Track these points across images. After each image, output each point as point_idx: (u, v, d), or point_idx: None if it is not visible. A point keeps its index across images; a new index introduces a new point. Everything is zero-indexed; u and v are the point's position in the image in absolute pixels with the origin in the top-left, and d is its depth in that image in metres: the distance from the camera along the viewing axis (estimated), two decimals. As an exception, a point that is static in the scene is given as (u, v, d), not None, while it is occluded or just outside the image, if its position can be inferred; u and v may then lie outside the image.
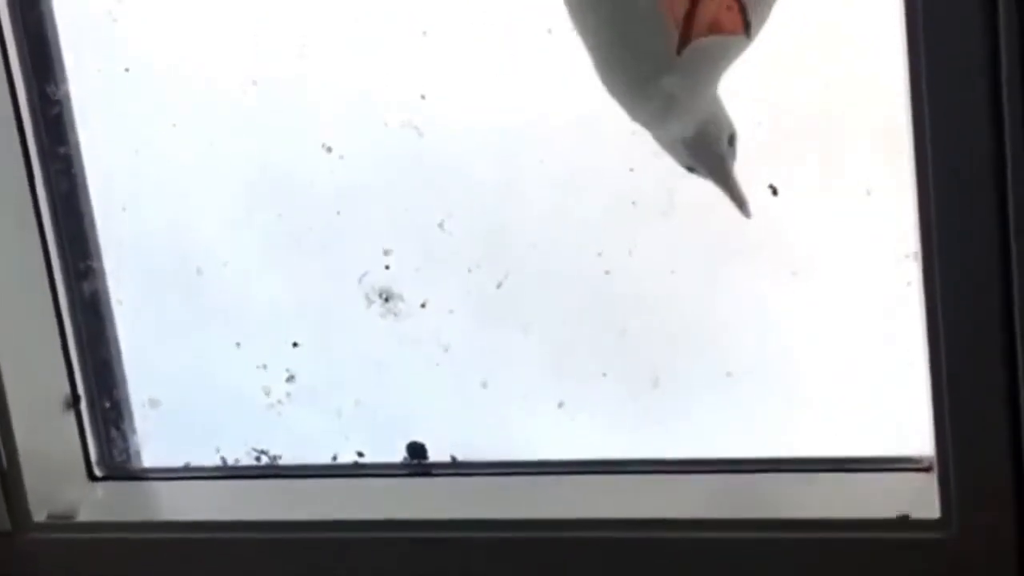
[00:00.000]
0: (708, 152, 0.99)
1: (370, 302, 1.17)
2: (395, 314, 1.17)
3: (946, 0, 0.90)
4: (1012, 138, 0.91)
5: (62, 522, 1.20)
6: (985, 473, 0.98)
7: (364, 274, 1.16)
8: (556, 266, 1.13)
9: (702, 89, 0.98)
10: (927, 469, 1.04)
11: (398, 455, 1.19)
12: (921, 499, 1.02)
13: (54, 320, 1.21)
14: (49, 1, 1.18)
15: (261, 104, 1.15)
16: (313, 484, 1.21)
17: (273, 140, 1.15)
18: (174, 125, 1.17)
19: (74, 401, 1.22)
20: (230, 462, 1.23)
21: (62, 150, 1.20)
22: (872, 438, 1.08)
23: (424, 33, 1.09)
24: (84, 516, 1.20)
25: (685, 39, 0.93)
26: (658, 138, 1.00)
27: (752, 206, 1.05)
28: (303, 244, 1.18)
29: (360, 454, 1.20)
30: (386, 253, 1.16)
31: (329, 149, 1.14)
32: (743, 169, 1.06)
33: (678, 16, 0.92)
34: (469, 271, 1.15)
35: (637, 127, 1.06)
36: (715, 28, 0.93)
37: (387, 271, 1.16)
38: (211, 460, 1.23)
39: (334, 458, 1.21)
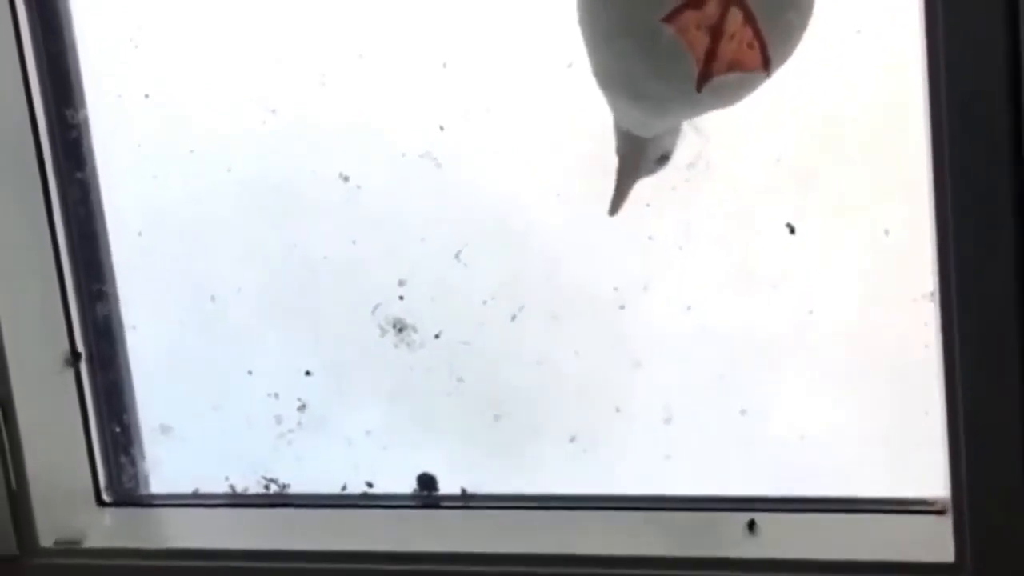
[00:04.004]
0: (637, 154, 1.01)
1: (384, 332, 1.16)
2: (408, 344, 1.16)
3: (968, 39, 0.90)
4: (1032, 179, 0.91)
5: (69, 547, 1.19)
6: (1000, 516, 0.98)
7: (378, 304, 1.16)
8: (571, 300, 1.13)
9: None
10: (941, 512, 1.04)
11: (408, 486, 1.19)
12: (935, 542, 1.02)
13: (67, 343, 1.21)
14: (71, 26, 1.18)
15: (279, 132, 1.15)
16: (322, 514, 1.20)
17: (290, 168, 1.16)
18: (192, 151, 1.18)
19: (83, 422, 1.22)
20: (239, 490, 1.22)
21: (79, 174, 1.21)
22: (886, 480, 1.07)
23: (444, 65, 1.10)
24: (91, 542, 1.20)
25: (706, 76, 0.92)
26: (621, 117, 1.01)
27: (769, 243, 1.06)
28: (318, 273, 1.18)
29: (370, 484, 1.20)
30: (401, 283, 1.16)
31: (346, 178, 1.14)
32: (761, 206, 1.07)
33: (699, 54, 0.92)
34: (484, 303, 1.14)
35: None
36: (736, 66, 0.92)
37: (401, 301, 1.16)
38: (220, 488, 1.23)
39: (343, 488, 1.20)
